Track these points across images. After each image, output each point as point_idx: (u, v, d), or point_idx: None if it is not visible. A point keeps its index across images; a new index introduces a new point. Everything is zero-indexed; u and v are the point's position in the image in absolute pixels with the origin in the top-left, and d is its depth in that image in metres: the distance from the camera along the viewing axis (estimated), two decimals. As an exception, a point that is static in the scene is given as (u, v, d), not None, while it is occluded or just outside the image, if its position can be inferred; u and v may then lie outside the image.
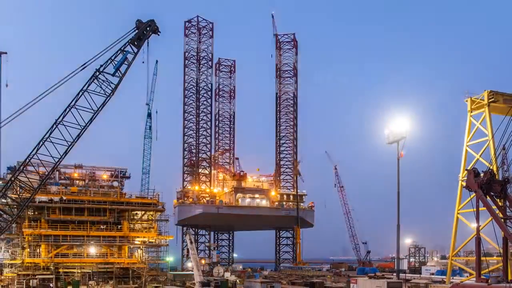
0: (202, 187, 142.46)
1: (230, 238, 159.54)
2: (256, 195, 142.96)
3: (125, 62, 43.76)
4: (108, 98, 43.51)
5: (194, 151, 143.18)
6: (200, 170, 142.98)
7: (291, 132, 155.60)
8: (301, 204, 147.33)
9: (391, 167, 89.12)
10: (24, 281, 61.95)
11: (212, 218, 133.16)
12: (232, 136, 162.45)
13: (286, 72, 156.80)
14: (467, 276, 63.52)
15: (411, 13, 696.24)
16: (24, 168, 44.66)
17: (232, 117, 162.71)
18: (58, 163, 44.57)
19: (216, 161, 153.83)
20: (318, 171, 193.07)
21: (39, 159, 43.51)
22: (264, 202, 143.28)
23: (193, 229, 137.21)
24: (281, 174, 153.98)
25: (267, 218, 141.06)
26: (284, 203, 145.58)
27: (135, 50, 44.31)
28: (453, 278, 64.59)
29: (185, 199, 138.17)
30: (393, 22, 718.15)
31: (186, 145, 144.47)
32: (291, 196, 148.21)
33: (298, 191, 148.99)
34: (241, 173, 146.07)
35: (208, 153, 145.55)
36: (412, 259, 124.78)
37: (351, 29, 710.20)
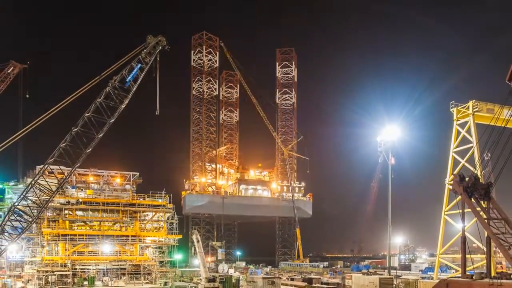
0: (208, 180, 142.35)
1: (234, 235, 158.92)
2: (258, 187, 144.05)
3: (136, 75, 43.87)
4: (120, 108, 43.57)
5: (201, 143, 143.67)
6: (206, 165, 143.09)
7: (291, 128, 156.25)
8: (300, 195, 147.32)
9: (384, 171, 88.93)
10: (43, 277, 61.79)
11: (217, 207, 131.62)
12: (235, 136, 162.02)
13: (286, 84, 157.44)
14: (453, 273, 63.10)
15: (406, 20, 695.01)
16: (43, 173, 44.68)
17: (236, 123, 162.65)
18: (74, 168, 44.63)
19: (221, 155, 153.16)
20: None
21: (57, 164, 43.55)
22: (265, 193, 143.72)
23: (199, 227, 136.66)
24: (281, 165, 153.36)
25: (268, 207, 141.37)
26: (284, 193, 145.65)
27: (146, 63, 44.39)
28: (440, 274, 64.13)
29: (193, 190, 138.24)
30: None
31: (193, 136, 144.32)
32: (291, 188, 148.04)
33: (297, 182, 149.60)
34: (245, 166, 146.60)
35: (214, 152, 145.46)
36: (402, 257, 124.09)
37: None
